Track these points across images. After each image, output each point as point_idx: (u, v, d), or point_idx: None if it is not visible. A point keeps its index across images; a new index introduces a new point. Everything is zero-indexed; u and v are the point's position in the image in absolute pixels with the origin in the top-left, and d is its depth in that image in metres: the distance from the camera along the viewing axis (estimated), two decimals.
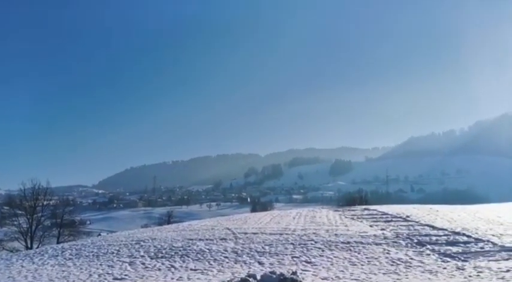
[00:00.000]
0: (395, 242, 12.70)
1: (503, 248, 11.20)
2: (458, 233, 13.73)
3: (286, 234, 14.93)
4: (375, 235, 13.96)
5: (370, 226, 16.26)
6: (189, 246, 13.66)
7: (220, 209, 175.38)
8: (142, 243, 15.28)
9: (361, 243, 12.77)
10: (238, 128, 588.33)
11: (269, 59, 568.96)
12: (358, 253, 11.53)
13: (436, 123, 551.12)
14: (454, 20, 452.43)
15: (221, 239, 14.62)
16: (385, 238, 13.38)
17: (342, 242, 12.99)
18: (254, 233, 15.45)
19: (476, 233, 13.53)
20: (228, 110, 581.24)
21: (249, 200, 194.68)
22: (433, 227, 15.19)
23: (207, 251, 12.89)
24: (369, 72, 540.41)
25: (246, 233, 15.59)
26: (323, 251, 12.00)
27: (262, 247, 12.83)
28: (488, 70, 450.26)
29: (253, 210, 79.18)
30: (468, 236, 13.12)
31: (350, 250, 11.93)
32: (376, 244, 12.54)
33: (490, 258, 10.31)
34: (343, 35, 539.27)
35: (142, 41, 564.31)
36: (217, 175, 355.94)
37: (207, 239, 14.81)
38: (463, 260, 10.21)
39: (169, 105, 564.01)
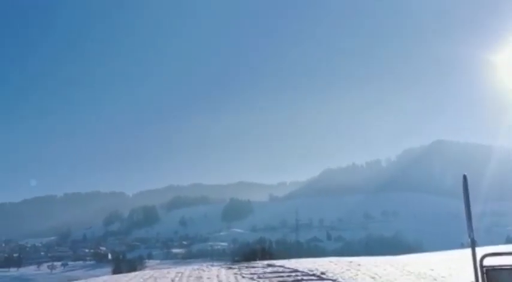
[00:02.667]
0: None
1: None
2: None
3: None
4: None
5: None
6: None
7: (67, 270, 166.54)
8: None
9: None
10: (97, 159, 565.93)
11: (145, 75, 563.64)
12: None
13: (358, 153, 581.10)
14: (376, 47, 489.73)
15: None
16: None
17: None
18: None
19: None
20: (82, 135, 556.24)
21: (110, 256, 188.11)
22: None
23: None
24: (273, 87, 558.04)
25: None
26: None
27: None
28: (418, 87, 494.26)
29: (117, 271, 76.64)
30: None
31: None
32: None
33: None
34: (245, 37, 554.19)
35: None
36: (65, 223, 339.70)
37: None
38: None
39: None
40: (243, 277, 19.75)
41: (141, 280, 21.03)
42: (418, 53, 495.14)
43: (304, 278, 18.57)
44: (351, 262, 23.06)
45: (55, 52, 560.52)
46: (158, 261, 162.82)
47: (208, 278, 19.93)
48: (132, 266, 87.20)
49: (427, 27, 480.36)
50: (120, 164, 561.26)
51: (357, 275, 18.54)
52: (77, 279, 30.52)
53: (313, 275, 19.03)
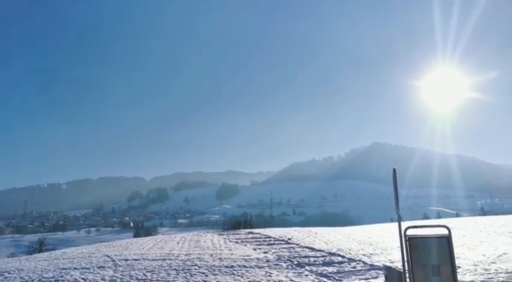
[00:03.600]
0: (277, 265, 13.04)
1: (373, 267, 12.09)
2: (334, 254, 14.55)
3: (170, 259, 14.52)
4: (257, 258, 14.20)
5: (254, 249, 16.53)
6: (62, 277, 12.57)
7: (100, 234, 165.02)
8: (6, 274, 13.70)
9: (244, 266, 12.88)
10: (123, 150, 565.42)
11: (156, 83, 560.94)
12: (241, 277, 11.59)
13: (317, 150, 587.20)
14: (330, 59, 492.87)
15: (99, 267, 13.70)
16: (267, 261, 13.67)
17: (226, 266, 12.98)
18: (135, 260, 14.77)
19: (350, 254, 14.47)
20: (112, 132, 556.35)
21: (132, 224, 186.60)
22: (312, 249, 15.92)
23: (82, 280, 11.99)
24: (255, 101, 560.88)
25: (126, 260, 14.83)
26: (206, 276, 11.87)
27: (144, 274, 12.29)
28: (361, 102, 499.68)
29: (136, 235, 76.06)
30: (342, 256, 13.98)
31: (233, 274, 11.96)
32: (259, 267, 12.75)
33: (361, 276, 11.05)
34: (234, 64, 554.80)
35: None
36: (98, 199, 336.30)
37: (82, 268, 13.77)
38: (337, 280, 10.81)
39: (46, 124, 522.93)
40: (230, 241, 19.72)
41: (155, 242, 20.89)
42: (363, 76, 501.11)
43: (276, 242, 18.58)
44: (310, 231, 23.15)
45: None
46: (168, 229, 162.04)
47: (204, 241, 19.87)
48: (148, 232, 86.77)
49: (370, 59, 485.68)
50: (141, 155, 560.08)
51: (314, 240, 18.60)
52: (106, 241, 30.12)
53: (282, 240, 19.05)
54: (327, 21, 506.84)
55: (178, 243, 19.73)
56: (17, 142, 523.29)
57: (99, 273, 12.81)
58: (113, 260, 14.96)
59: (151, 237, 30.50)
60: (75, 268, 13.88)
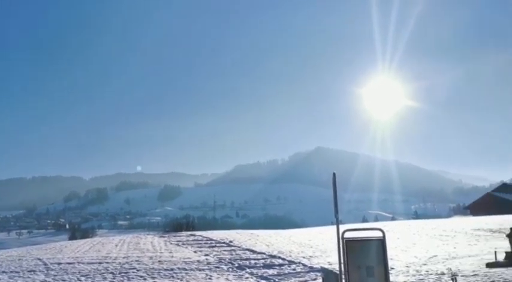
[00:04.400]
0: (218, 267, 13.01)
1: (312, 269, 12.35)
2: (274, 256, 14.73)
3: (107, 262, 14.09)
4: (198, 261, 14.11)
5: (195, 252, 16.41)
6: None
7: (32, 236, 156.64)
8: None
9: (185, 269, 12.75)
10: (60, 148, 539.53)
11: (98, 81, 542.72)
12: (181, 280, 11.47)
13: (261, 153, 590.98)
14: (275, 62, 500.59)
15: (29, 271, 13.03)
16: (208, 263, 13.61)
17: (165, 269, 12.78)
18: (69, 263, 14.19)
19: (290, 256, 14.71)
20: (49, 129, 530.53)
21: (67, 226, 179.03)
22: (253, 251, 16.03)
23: None
24: (200, 102, 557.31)
25: (60, 264, 14.21)
26: (145, 279, 11.63)
27: (78, 278, 11.84)
28: (305, 106, 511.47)
29: (72, 237, 73.04)
30: (283, 259, 14.18)
31: (173, 277, 11.80)
32: (199, 270, 12.66)
33: (301, 279, 11.26)
34: (179, 66, 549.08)
35: None
36: (32, 199, 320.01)
37: (11, 272, 13.03)
38: None
39: None
40: (171, 243, 19.45)
41: (91, 245, 20.20)
42: (308, 81, 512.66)
43: (217, 244, 18.55)
44: (251, 234, 23.30)
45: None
46: (106, 231, 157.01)
47: (144, 244, 19.46)
48: (85, 234, 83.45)
49: (315, 64, 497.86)
50: (80, 153, 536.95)
51: (256, 243, 18.74)
52: (39, 244, 28.75)
53: (224, 242, 19.05)
54: (271, 25, 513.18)
55: (116, 245, 19.20)
56: None
57: (29, 277, 12.19)
58: (45, 264, 14.30)
59: (88, 239, 29.49)
60: (3, 272, 13.12)
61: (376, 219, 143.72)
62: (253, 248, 16.82)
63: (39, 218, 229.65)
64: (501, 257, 11.31)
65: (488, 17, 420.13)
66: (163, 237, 22.62)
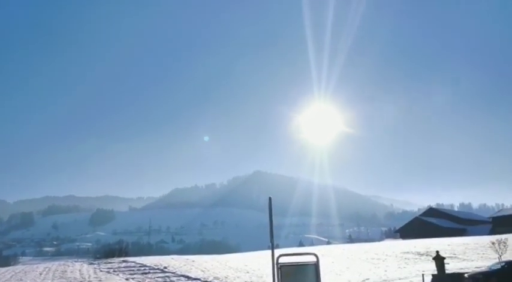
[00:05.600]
0: None
1: None
2: None
3: None
4: None
5: (127, 279, 15.81)
6: None
7: None
8: None
9: None
10: None
11: (28, 99, 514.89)
12: None
13: (199, 176, 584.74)
14: (214, 83, 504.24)
15: None
16: None
17: None
18: None
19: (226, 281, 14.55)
20: None
21: None
22: (188, 277, 15.72)
23: None
24: (136, 122, 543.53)
25: None
26: None
27: None
28: (244, 130, 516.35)
29: None
30: None
31: None
32: None
33: None
34: (115, 83, 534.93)
35: None
36: None
37: None
38: None
39: None
40: (101, 270, 18.60)
41: (13, 273, 18.87)
42: (247, 108, 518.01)
43: (151, 271, 18.00)
44: (187, 259, 22.85)
45: None
46: (31, 258, 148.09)
47: (71, 272, 18.48)
48: (7, 261, 78.11)
49: (254, 89, 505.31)
50: (3, 174, 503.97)
51: (191, 268, 18.39)
52: None
53: (158, 268, 18.53)
54: (208, 52, 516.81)
55: (40, 274, 18.06)
56: None
57: None
58: None
59: (9, 267, 27.53)
60: None
61: (312, 244, 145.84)
62: (189, 274, 16.50)
63: None
64: (428, 280, 11.86)
65: (423, 46, 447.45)
66: (93, 264, 21.61)
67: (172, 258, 23.58)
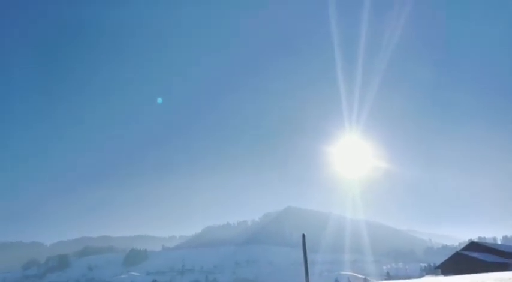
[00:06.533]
0: None
1: None
2: None
3: None
4: None
5: None
6: None
7: None
8: None
9: None
10: (20, 212, 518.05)
11: (59, 144, 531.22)
12: None
13: (231, 214, 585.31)
14: (243, 123, 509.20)
15: None
16: None
17: None
18: None
19: None
20: (8, 194, 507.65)
21: None
22: None
23: None
24: (168, 163, 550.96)
25: None
26: None
27: None
28: (277, 165, 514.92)
29: None
30: None
31: None
32: None
33: None
34: (146, 126, 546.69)
35: None
36: None
37: None
38: None
39: None
40: None
41: None
42: (277, 143, 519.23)
43: None
44: None
45: None
46: None
47: None
48: None
49: (281, 124, 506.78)
50: (40, 218, 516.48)
51: None
52: None
53: None
54: (239, 87, 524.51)
55: None
56: None
57: None
58: None
59: None
60: None
61: (348, 281, 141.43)
62: None
63: None
64: None
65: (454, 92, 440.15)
66: None
67: None
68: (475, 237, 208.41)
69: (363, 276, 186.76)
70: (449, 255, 68.92)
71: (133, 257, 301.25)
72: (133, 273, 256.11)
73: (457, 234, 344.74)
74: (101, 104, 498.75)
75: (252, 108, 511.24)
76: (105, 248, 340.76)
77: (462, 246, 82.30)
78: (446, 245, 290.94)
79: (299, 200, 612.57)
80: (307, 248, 6.82)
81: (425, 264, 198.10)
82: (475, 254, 64.66)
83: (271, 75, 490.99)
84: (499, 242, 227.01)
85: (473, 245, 71.80)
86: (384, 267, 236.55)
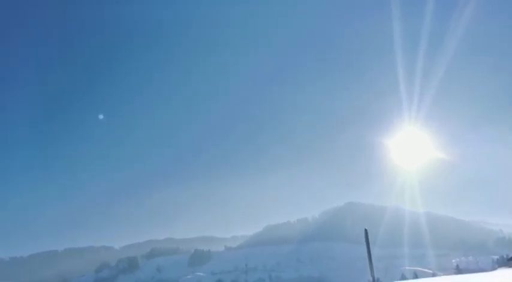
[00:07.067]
0: None
1: None
2: None
3: None
4: None
5: None
6: None
7: None
8: None
9: None
10: (90, 218, 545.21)
11: (125, 150, 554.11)
12: None
13: (290, 211, 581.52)
14: (301, 118, 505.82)
15: None
16: None
17: None
18: None
19: None
20: (78, 199, 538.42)
21: None
22: None
23: None
24: (227, 162, 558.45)
25: None
26: None
27: None
28: (335, 159, 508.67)
29: None
30: None
31: None
32: None
33: None
34: (207, 127, 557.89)
35: None
36: (65, 272, 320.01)
37: None
38: None
39: (6, 195, 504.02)
40: None
41: None
42: (334, 138, 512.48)
43: None
44: None
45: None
46: None
47: None
48: None
49: (340, 118, 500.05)
50: (109, 222, 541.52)
51: None
52: None
53: None
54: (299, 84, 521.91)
55: None
56: None
57: None
58: None
59: None
60: None
61: (415, 276, 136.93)
62: None
63: None
64: None
65: None
66: None
67: None
68: None
69: (430, 271, 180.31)
70: None
71: (198, 258, 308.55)
72: (198, 273, 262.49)
73: None
74: (159, 104, 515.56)
75: (307, 104, 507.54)
76: (171, 250, 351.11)
77: None
78: None
79: (359, 194, 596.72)
80: (368, 243, 6.70)
81: (497, 257, 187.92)
82: None
83: (330, 67, 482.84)
84: None
85: None
86: (453, 261, 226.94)
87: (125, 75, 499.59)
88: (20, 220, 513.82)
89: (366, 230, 6.57)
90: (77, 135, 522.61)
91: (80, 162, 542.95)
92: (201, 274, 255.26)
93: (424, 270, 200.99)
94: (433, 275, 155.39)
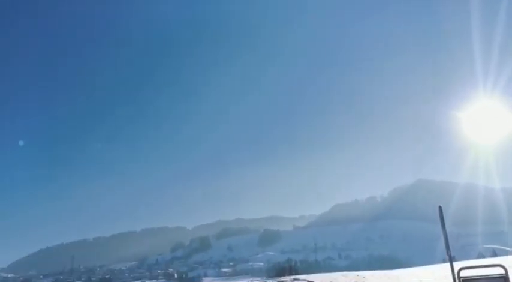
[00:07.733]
0: None
1: None
2: None
3: None
4: None
5: None
6: None
7: None
8: None
9: None
10: (165, 201, 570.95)
11: (188, 133, 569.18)
12: None
13: (358, 191, 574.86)
14: (369, 96, 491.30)
15: None
16: None
17: None
18: None
19: None
20: (153, 183, 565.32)
21: (176, 275, 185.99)
22: None
23: None
24: (296, 143, 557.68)
25: None
26: None
27: None
28: (404, 135, 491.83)
29: None
30: None
31: None
32: None
33: None
34: (280, 109, 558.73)
35: None
36: (143, 251, 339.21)
37: None
38: None
39: (89, 180, 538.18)
40: None
41: None
42: (405, 114, 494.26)
43: None
44: (357, 275, 22.30)
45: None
46: (212, 278, 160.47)
47: None
48: None
49: (413, 93, 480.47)
50: (183, 205, 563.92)
51: None
52: None
53: None
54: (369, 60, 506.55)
55: None
56: (64, 198, 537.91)
57: None
58: None
59: None
60: None
61: (494, 254, 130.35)
62: None
63: (150, 269, 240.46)
64: None
65: None
66: None
67: (342, 275, 23.30)
68: None
69: (510, 249, 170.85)
70: None
71: (267, 237, 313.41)
72: (268, 252, 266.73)
73: None
74: (232, 94, 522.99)
75: (378, 80, 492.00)
76: (241, 230, 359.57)
77: None
78: None
79: (429, 171, 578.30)
80: (443, 221, 6.47)
81: None
82: None
83: (403, 40, 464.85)
84: None
85: None
86: None
87: (195, 71, 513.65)
88: (102, 204, 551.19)
89: (440, 207, 6.35)
90: (149, 121, 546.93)
91: (152, 149, 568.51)
92: (271, 253, 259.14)
93: (503, 248, 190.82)
94: None
